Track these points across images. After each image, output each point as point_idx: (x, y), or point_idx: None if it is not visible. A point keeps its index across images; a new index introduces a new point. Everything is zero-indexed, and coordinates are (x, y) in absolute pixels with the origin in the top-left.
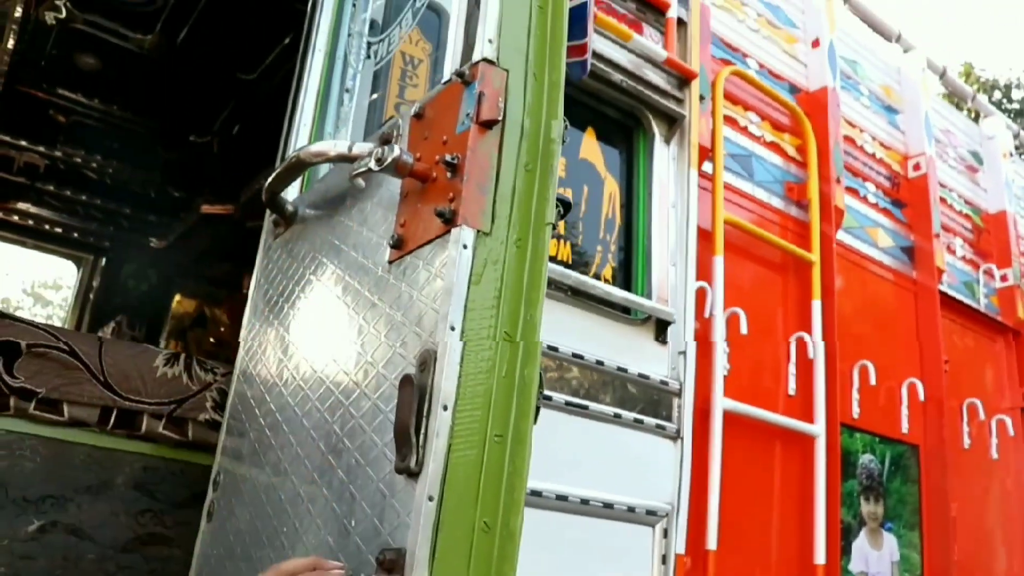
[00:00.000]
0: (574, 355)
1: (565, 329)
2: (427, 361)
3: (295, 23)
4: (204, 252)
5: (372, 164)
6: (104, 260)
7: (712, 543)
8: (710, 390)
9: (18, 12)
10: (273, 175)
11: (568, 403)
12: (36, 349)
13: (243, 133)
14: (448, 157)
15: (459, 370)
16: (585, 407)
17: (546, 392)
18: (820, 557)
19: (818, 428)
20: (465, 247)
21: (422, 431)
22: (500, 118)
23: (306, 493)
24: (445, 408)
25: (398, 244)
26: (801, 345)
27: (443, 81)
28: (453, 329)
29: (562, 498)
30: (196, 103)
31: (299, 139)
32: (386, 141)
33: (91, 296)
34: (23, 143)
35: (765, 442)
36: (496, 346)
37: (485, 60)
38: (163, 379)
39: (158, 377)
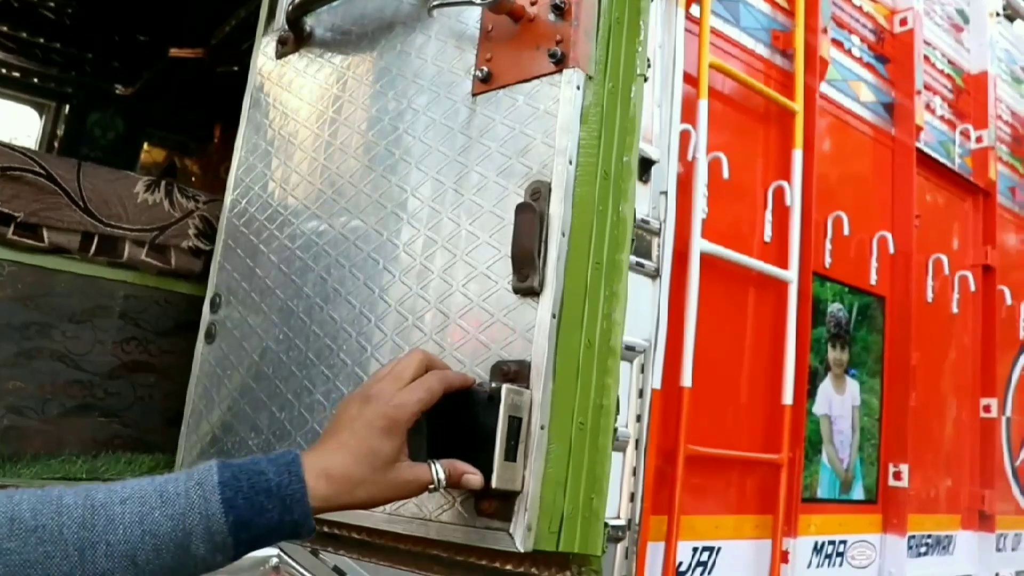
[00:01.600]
0: None
1: None
2: (540, 191)
3: None
4: (172, 99)
5: None
6: (67, 107)
7: (687, 380)
8: (689, 231)
9: None
10: None
11: None
12: (11, 172)
13: None
14: (557, 1)
15: (572, 201)
16: None
17: None
18: (788, 398)
19: (791, 274)
20: (577, 88)
21: (542, 254)
22: None
23: (373, 313)
24: (563, 234)
25: (487, 78)
26: (779, 193)
27: None
28: (571, 163)
29: None
30: None
31: None
32: None
33: (55, 145)
34: None
35: (740, 285)
36: (597, 182)
37: None
38: (144, 205)
39: (139, 203)
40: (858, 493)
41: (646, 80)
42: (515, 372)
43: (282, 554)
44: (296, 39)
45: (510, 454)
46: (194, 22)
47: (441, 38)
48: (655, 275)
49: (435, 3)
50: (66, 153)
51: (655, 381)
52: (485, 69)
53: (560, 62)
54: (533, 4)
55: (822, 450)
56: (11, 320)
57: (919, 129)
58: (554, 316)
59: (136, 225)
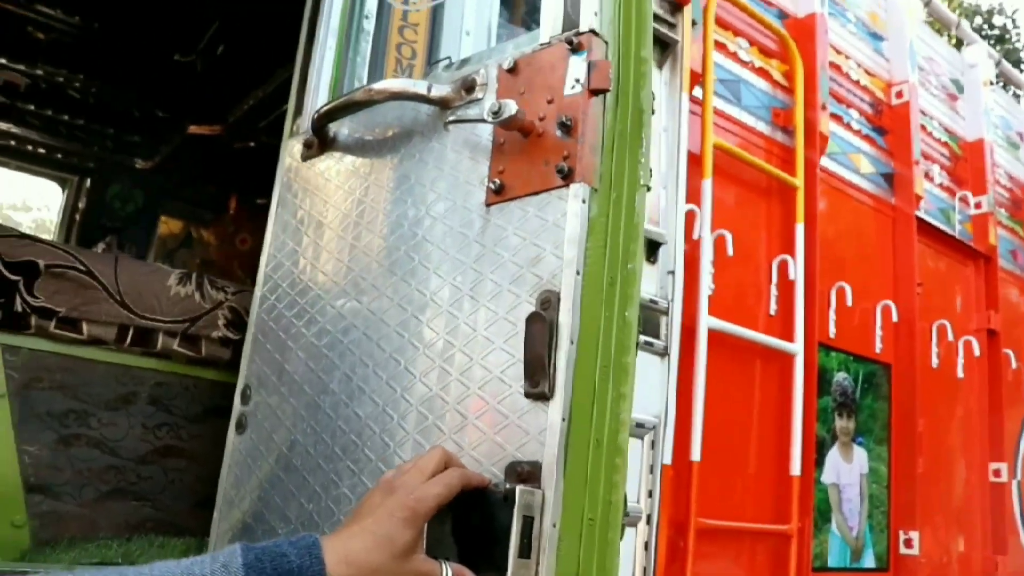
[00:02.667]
0: None
1: None
2: (550, 300)
3: None
4: (190, 173)
5: (486, 115)
6: (89, 181)
7: (696, 454)
8: (696, 309)
9: None
10: (331, 105)
11: None
12: (54, 269)
13: (228, 54)
14: (563, 118)
15: (581, 310)
16: None
17: None
18: (796, 469)
19: (797, 347)
20: (583, 201)
21: (552, 361)
22: (610, 87)
23: (395, 412)
24: (572, 342)
25: (499, 190)
26: (783, 267)
27: (541, 43)
28: (578, 273)
29: None
30: (179, 21)
31: (323, 72)
32: (469, 88)
33: (77, 217)
34: (2, 61)
35: (747, 359)
36: (603, 289)
37: (592, 31)
38: (176, 298)
39: (172, 296)
40: (869, 561)
41: (648, 190)
42: (528, 472)
43: None
44: (321, 143)
45: (524, 551)
46: (213, 101)
47: (457, 148)
48: (664, 353)
49: (450, 119)
50: (86, 224)
51: (665, 456)
52: (498, 181)
53: (567, 177)
54: (541, 120)
55: (831, 519)
56: (52, 408)
57: (919, 198)
58: (564, 419)
59: (169, 317)
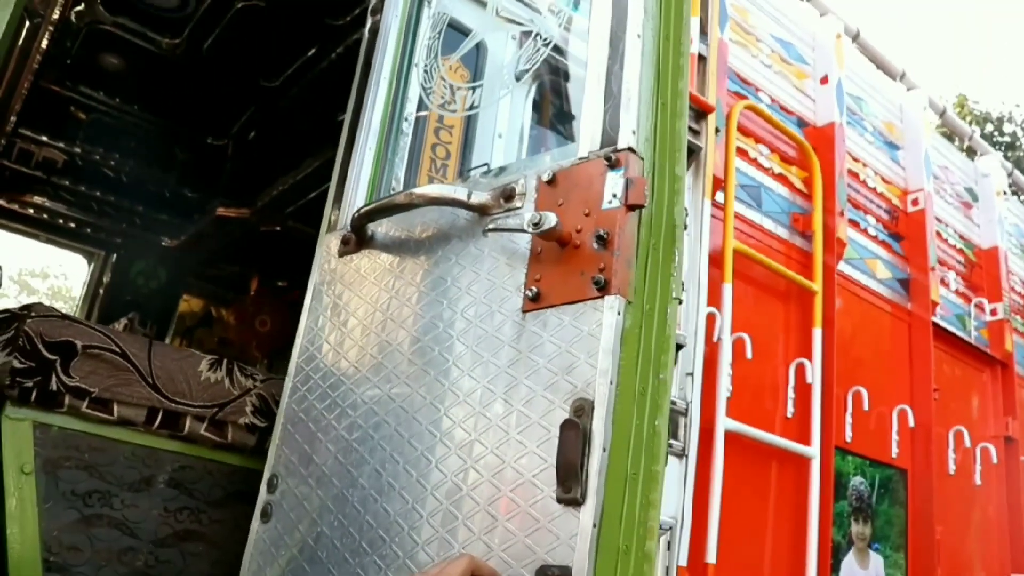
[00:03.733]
0: None
1: None
2: (584, 408)
3: (320, 36)
4: (214, 253)
5: (526, 226)
6: (115, 256)
7: (712, 557)
8: (714, 411)
9: (55, 15)
10: (372, 206)
11: None
12: (91, 350)
13: (260, 139)
14: (600, 231)
15: (613, 418)
16: None
17: None
18: (812, 574)
19: (813, 450)
20: (618, 313)
21: (584, 468)
22: (646, 203)
23: (424, 509)
24: (604, 450)
25: (536, 298)
26: (800, 370)
27: (580, 156)
28: (612, 383)
29: None
30: (215, 106)
31: (362, 170)
32: (508, 197)
33: (100, 292)
34: (44, 138)
35: (763, 462)
36: (635, 398)
37: (630, 149)
38: (207, 383)
39: (202, 381)
40: None
41: (680, 303)
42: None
43: None
44: (359, 241)
45: None
46: (242, 184)
47: (494, 254)
48: (682, 455)
49: (490, 227)
50: (109, 298)
51: (681, 558)
52: (535, 289)
53: (603, 288)
54: (579, 232)
55: None
56: (76, 487)
57: (935, 304)
58: (595, 525)
59: (199, 402)
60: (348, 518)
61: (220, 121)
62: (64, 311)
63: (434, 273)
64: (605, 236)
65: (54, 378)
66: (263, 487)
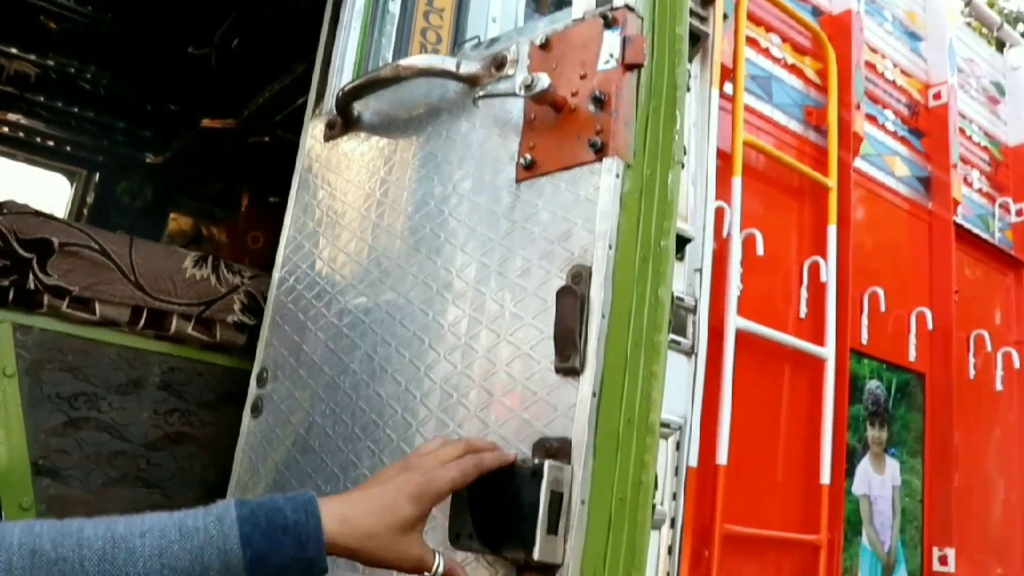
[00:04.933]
0: None
1: None
2: (581, 274)
3: None
4: (202, 169)
5: (518, 89)
6: (98, 175)
7: (723, 458)
8: (723, 309)
9: None
10: (356, 83)
11: None
12: (69, 247)
13: (243, 47)
14: (597, 93)
15: (612, 284)
16: None
17: None
18: (825, 477)
19: (828, 351)
20: (617, 176)
21: (583, 336)
22: (644, 63)
23: (418, 391)
24: (603, 316)
25: (530, 166)
26: (814, 269)
27: (574, 18)
28: (611, 248)
29: None
30: (195, 13)
31: (347, 53)
32: (500, 65)
33: (85, 212)
34: (13, 51)
35: (776, 363)
36: (636, 265)
37: (627, 6)
38: (192, 280)
39: (187, 278)
40: None
41: (683, 167)
42: (557, 448)
43: None
44: (344, 123)
45: (552, 527)
46: (227, 95)
47: (486, 126)
48: (691, 353)
49: (480, 94)
50: (95, 220)
51: (691, 459)
52: (528, 157)
53: (600, 151)
54: (574, 95)
55: (862, 531)
56: (60, 390)
57: (956, 203)
58: (595, 395)
59: (184, 300)
60: (340, 405)
61: (201, 29)
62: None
63: (424, 150)
64: (602, 98)
65: (31, 277)
66: (252, 382)
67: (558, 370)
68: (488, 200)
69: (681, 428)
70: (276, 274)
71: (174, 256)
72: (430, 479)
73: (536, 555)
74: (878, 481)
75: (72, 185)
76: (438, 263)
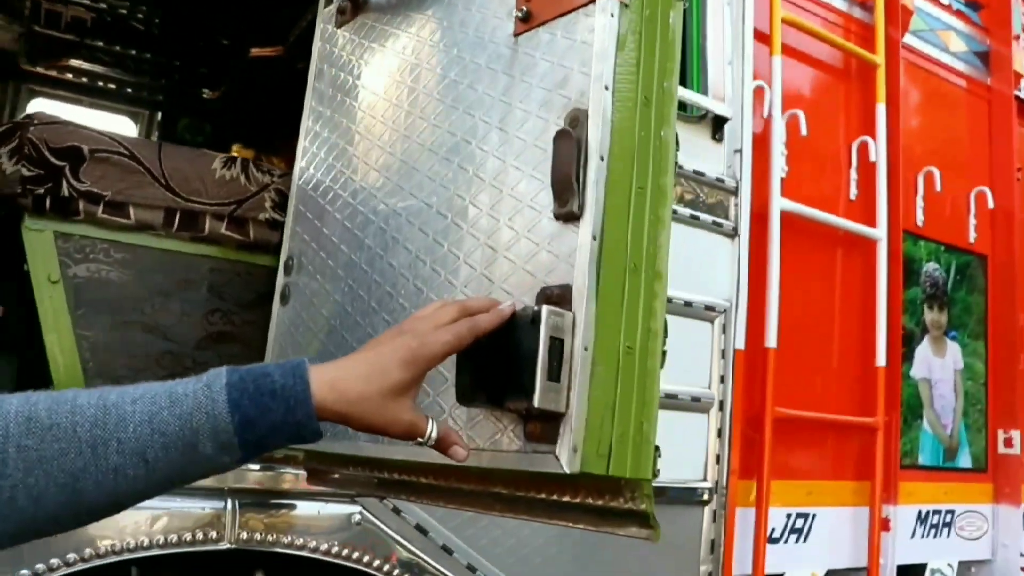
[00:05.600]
0: None
1: None
2: (578, 118)
3: None
4: (257, 100)
5: None
6: (160, 115)
7: (772, 341)
8: (768, 191)
9: None
10: None
11: None
12: (99, 154)
13: None
14: None
15: (611, 126)
16: None
17: None
18: (881, 360)
19: (879, 232)
20: (612, 15)
21: (581, 179)
22: None
23: (427, 256)
24: (602, 159)
25: (527, 17)
26: (863, 149)
27: None
28: (607, 88)
29: None
30: None
31: None
32: None
33: None
34: None
35: (825, 245)
36: (637, 107)
37: None
38: (222, 181)
39: (217, 179)
40: (965, 461)
41: (686, 7)
42: (558, 296)
43: (363, 511)
44: (353, 7)
45: (553, 374)
46: (272, 21)
47: None
48: (733, 234)
49: None
50: None
51: (738, 341)
52: (524, 9)
53: None
54: None
55: (922, 415)
56: (105, 295)
57: (1019, 77)
58: (595, 238)
59: (215, 199)
60: (357, 281)
61: None
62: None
63: (430, 21)
64: None
65: (65, 184)
66: (280, 271)
67: (557, 216)
68: (488, 59)
69: (727, 311)
70: (297, 165)
71: (203, 158)
72: (423, 343)
73: (536, 402)
74: (938, 364)
75: (136, 126)
76: (443, 128)
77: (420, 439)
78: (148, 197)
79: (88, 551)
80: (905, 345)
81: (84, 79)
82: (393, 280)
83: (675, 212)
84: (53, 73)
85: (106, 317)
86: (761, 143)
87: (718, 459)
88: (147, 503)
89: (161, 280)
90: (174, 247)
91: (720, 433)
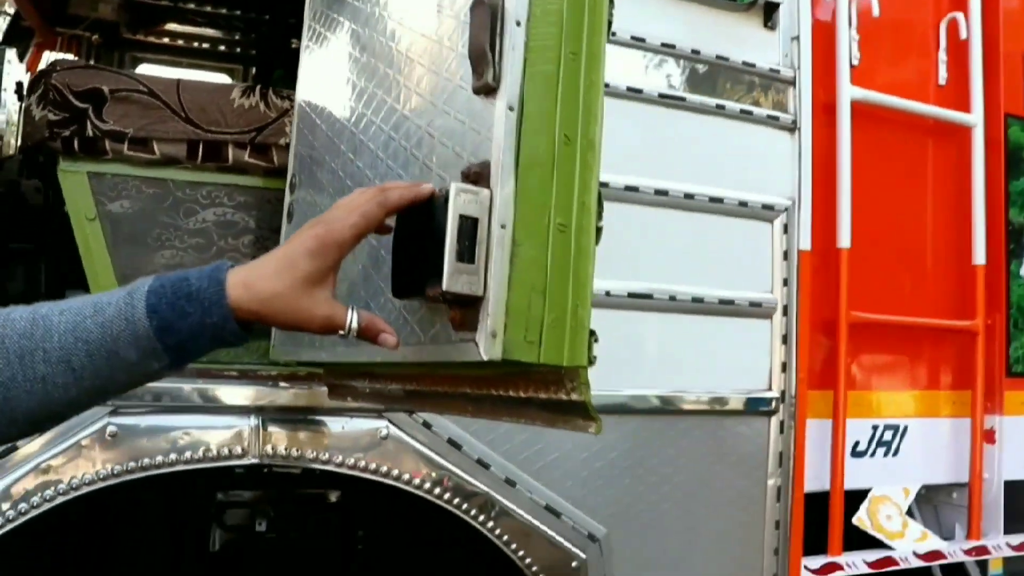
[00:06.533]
0: (663, 44)
1: (653, 18)
2: None
3: None
4: None
5: None
6: (253, 70)
7: (844, 240)
8: (834, 81)
9: None
10: None
11: (662, 95)
12: (119, 93)
13: None
14: None
15: None
16: (682, 99)
17: (635, 85)
18: (979, 257)
19: (975, 117)
20: None
21: (497, 48)
22: None
23: (384, 152)
24: (518, 24)
25: None
26: (953, 27)
27: None
28: None
29: (661, 192)
30: None
31: None
32: None
33: None
34: None
35: (907, 136)
36: None
37: None
38: (241, 110)
39: (235, 108)
40: None
41: None
42: (476, 174)
43: (391, 425)
44: None
45: (464, 256)
46: None
47: None
48: (792, 128)
49: None
50: None
51: (803, 242)
52: None
53: None
54: None
55: None
56: (139, 229)
57: None
58: (511, 108)
59: (235, 128)
60: (336, 188)
61: None
62: None
63: None
64: None
65: (89, 125)
66: (287, 191)
67: (476, 91)
68: None
69: (788, 209)
70: (298, 88)
71: (221, 89)
72: (330, 229)
73: (444, 284)
74: None
75: (233, 82)
76: (390, 15)
77: (341, 331)
78: (170, 131)
79: (103, 470)
80: (1014, 241)
81: (180, 41)
82: (360, 181)
83: (722, 107)
84: (152, 39)
85: (143, 250)
86: (824, 29)
87: (784, 367)
88: (175, 419)
89: (193, 211)
90: (202, 178)
91: (785, 339)
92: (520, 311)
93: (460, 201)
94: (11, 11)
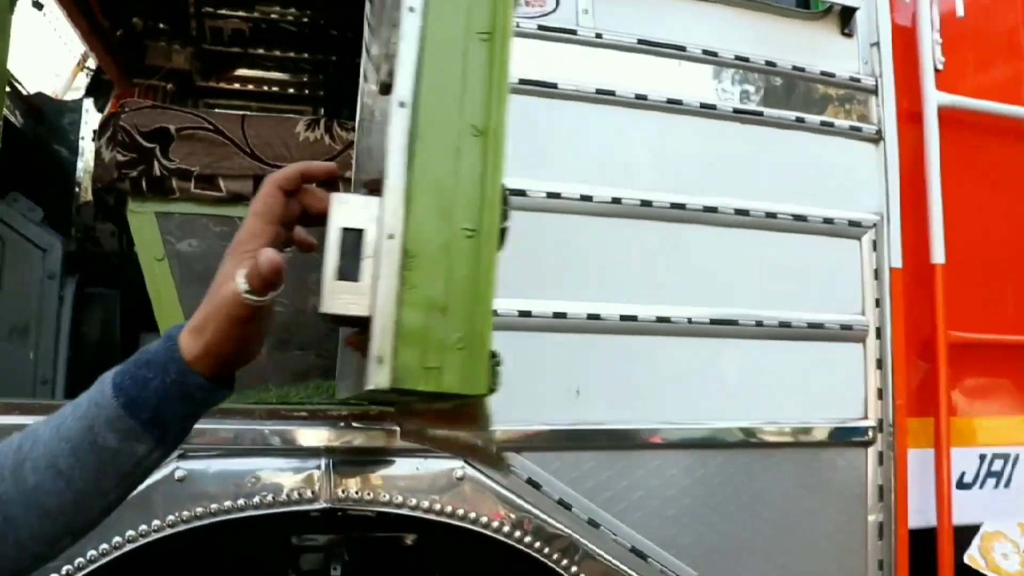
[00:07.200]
0: (737, 58)
1: (725, 31)
2: None
3: None
4: None
5: None
6: (322, 111)
7: (938, 256)
8: (918, 88)
9: None
10: None
11: (737, 110)
12: (185, 131)
13: None
14: None
15: None
16: (758, 113)
17: (708, 101)
18: None
19: None
20: None
21: (391, 40)
22: None
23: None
24: (411, 10)
25: None
26: None
27: None
28: None
29: (742, 212)
30: None
31: None
32: None
33: None
34: (223, 11)
35: (999, 140)
36: None
37: None
38: (306, 143)
39: (300, 142)
40: None
41: None
42: (375, 181)
43: (466, 466)
44: None
45: (345, 273)
46: None
47: None
48: (878, 139)
49: None
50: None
51: (894, 259)
52: None
53: None
54: None
55: None
56: (208, 267)
57: None
58: (403, 105)
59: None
60: None
61: None
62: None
63: None
64: None
65: (156, 164)
66: None
67: (380, 91)
68: None
69: (876, 225)
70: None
71: (286, 123)
72: (240, 228)
73: (321, 306)
74: None
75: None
76: None
77: (247, 299)
78: (235, 168)
79: (172, 516)
80: None
81: (250, 86)
82: None
83: (802, 120)
84: (223, 84)
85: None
86: (904, 34)
87: (880, 393)
88: (244, 463)
89: None
90: None
91: (880, 364)
92: (414, 332)
93: (340, 212)
94: (93, 66)
